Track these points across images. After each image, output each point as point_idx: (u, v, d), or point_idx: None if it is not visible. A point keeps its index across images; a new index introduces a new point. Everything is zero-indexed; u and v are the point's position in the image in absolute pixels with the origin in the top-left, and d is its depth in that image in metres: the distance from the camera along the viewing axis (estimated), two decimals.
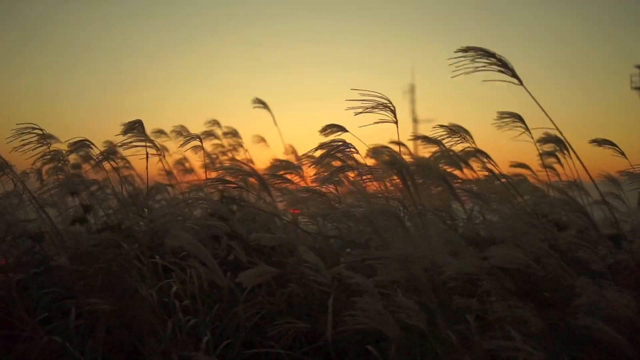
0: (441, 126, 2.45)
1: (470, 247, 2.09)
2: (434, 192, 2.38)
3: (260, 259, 2.81)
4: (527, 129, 2.46)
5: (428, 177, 2.15)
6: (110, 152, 3.35)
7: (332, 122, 2.54)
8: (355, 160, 2.59)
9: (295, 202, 2.73)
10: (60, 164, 3.18)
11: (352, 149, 2.45)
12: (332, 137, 2.48)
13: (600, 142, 2.47)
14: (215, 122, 4.58)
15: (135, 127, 3.10)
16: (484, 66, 1.89)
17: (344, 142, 2.44)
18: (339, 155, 2.48)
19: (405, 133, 2.72)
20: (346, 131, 2.52)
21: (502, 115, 2.42)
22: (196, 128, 4.93)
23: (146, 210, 3.41)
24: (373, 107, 2.26)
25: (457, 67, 1.85)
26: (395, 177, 2.19)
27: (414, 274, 1.86)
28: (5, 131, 2.83)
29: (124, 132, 3.13)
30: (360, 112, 2.25)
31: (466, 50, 1.85)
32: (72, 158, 3.62)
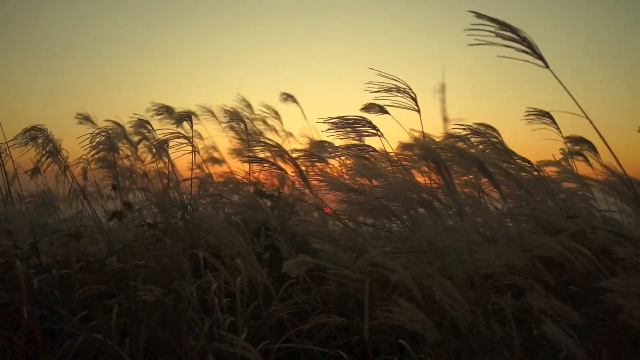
0: (463, 126, 2.29)
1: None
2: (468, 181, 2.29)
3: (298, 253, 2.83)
4: (557, 127, 2.42)
5: (463, 164, 2.01)
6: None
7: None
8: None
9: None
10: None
11: (375, 130, 2.26)
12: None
13: None
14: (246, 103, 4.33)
15: (184, 119, 3.14)
16: (506, 44, 1.62)
17: (365, 120, 2.26)
18: (360, 129, 2.26)
19: (436, 132, 2.64)
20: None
21: (530, 111, 2.37)
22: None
23: (189, 207, 3.42)
24: (391, 90, 2.14)
25: (474, 37, 1.58)
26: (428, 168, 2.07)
27: (449, 267, 1.83)
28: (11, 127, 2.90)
29: (177, 123, 3.17)
30: (379, 92, 2.14)
31: (485, 18, 1.59)
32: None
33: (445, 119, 2.45)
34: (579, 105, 1.68)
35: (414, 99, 2.21)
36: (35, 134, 2.95)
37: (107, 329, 2.22)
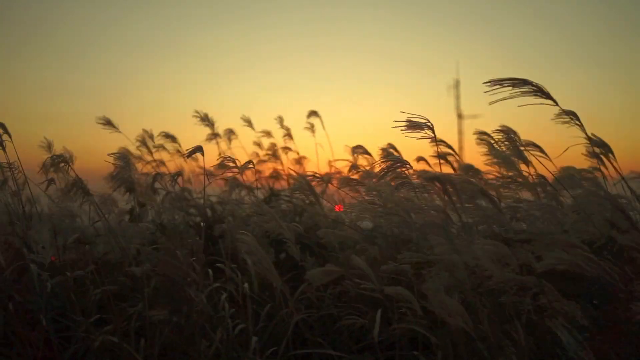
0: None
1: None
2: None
3: (312, 256, 2.80)
4: (582, 127, 2.39)
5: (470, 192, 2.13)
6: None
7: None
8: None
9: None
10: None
11: (408, 167, 2.43)
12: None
13: None
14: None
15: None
16: (520, 93, 2.00)
17: (400, 159, 2.45)
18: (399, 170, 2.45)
19: (451, 129, 2.68)
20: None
21: (561, 112, 2.35)
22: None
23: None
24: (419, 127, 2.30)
25: (492, 93, 1.95)
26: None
27: (460, 280, 1.87)
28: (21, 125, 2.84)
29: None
30: (408, 132, 2.29)
31: (501, 81, 1.96)
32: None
33: (460, 115, 2.49)
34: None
35: (432, 128, 2.35)
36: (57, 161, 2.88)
37: (123, 333, 2.21)
